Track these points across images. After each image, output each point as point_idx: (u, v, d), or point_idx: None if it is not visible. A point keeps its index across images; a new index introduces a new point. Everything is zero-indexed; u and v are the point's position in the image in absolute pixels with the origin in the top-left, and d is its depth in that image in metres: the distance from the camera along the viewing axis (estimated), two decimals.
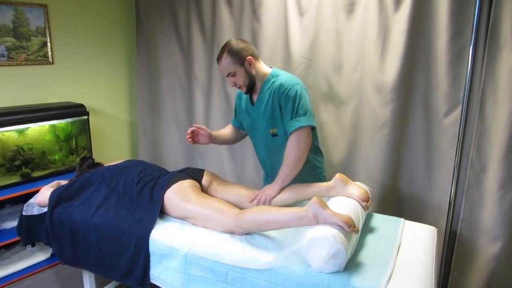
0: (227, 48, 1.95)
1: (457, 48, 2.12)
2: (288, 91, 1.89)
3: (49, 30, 2.97)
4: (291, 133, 1.91)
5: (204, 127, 2.14)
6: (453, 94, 2.17)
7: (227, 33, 2.96)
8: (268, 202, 1.94)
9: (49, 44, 2.98)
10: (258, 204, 1.94)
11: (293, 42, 2.64)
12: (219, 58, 1.97)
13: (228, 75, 1.99)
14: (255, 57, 1.98)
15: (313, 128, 1.97)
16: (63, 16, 3.05)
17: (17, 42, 2.81)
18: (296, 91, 1.90)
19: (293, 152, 1.91)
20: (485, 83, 2.03)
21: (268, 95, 1.97)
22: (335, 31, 2.49)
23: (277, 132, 2.02)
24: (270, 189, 1.96)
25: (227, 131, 2.33)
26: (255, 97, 2.06)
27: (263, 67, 2.03)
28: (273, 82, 1.96)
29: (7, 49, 2.77)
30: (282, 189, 1.96)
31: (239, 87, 2.03)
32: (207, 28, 3.06)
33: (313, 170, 2.13)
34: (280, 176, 1.95)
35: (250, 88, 2.01)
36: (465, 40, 2.10)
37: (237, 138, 2.36)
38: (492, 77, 2.02)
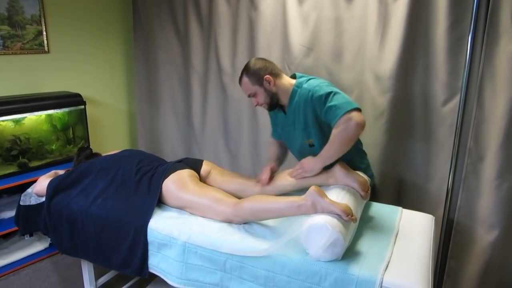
0: (245, 70, 1.94)
1: (456, 36, 2.11)
2: (315, 93, 1.83)
3: (44, 18, 2.93)
4: (336, 122, 1.75)
5: (271, 166, 2.06)
6: (451, 83, 2.17)
7: (224, 21, 2.93)
8: (301, 177, 1.91)
9: (44, 33, 2.95)
10: (294, 176, 1.92)
11: (292, 31, 2.62)
12: (240, 80, 1.97)
13: (249, 96, 1.98)
14: (275, 75, 1.93)
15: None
16: (58, 4, 3.01)
17: (12, 30, 2.78)
18: (323, 88, 1.82)
19: (337, 137, 1.76)
20: (483, 71, 2.03)
21: (297, 106, 1.93)
22: (334, 19, 2.47)
23: (313, 142, 1.98)
24: (310, 166, 1.88)
25: (275, 150, 2.22)
26: (286, 110, 2.02)
27: (285, 81, 1.96)
28: (299, 91, 1.92)
29: (2, 37, 2.74)
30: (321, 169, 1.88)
31: (262, 106, 1.99)
32: (203, 16, 3.04)
33: (362, 160, 2.10)
34: (323, 156, 1.84)
35: (273, 105, 1.98)
36: (464, 28, 2.08)
37: (281, 148, 2.24)
38: (491, 65, 2.01)
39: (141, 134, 3.59)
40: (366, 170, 2.09)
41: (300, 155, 2.05)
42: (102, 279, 2.39)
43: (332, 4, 2.46)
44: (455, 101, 2.18)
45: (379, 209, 1.99)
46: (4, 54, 2.76)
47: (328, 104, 1.79)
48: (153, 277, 1.98)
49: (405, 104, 2.34)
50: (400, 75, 2.28)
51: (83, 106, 3.01)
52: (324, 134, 1.91)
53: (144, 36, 3.35)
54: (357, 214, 1.68)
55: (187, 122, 3.38)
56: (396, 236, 1.70)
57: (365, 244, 1.62)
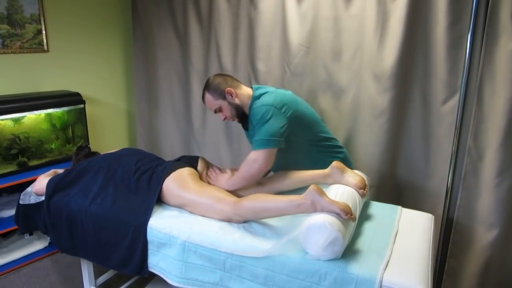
0: (206, 87, 2.00)
1: (455, 35, 2.11)
2: (256, 113, 1.88)
3: (43, 17, 2.93)
4: (251, 152, 1.87)
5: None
6: (451, 81, 2.17)
7: (223, 20, 2.93)
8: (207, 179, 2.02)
9: (44, 32, 2.95)
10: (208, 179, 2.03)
11: (291, 30, 2.61)
12: (203, 98, 2.03)
13: (215, 111, 2.03)
14: (234, 86, 1.99)
15: (280, 148, 1.88)
16: (57, 3, 3.01)
17: (12, 29, 2.78)
18: (264, 112, 1.84)
19: (243, 170, 1.90)
20: (483, 70, 2.03)
21: (251, 120, 1.97)
22: (333, 18, 2.47)
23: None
24: (224, 180, 1.98)
25: None
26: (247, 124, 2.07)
27: (245, 92, 2.01)
28: (252, 106, 1.95)
29: (2, 36, 2.73)
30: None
31: (230, 119, 2.05)
32: (203, 15, 3.03)
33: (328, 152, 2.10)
34: (229, 182, 1.96)
35: (241, 117, 2.03)
36: (463, 26, 2.08)
37: None
38: (490, 64, 2.01)
39: (140, 133, 3.59)
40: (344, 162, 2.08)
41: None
42: (102, 278, 2.39)
43: (331, 3, 2.45)
44: (455, 100, 2.18)
45: (378, 208, 1.99)
46: (4, 53, 2.76)
47: (257, 129, 1.87)
48: (153, 276, 1.98)
49: (405, 103, 2.34)
50: (399, 75, 2.28)
51: (82, 105, 3.01)
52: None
53: (143, 34, 3.34)
54: (356, 213, 1.69)
55: (186, 121, 3.38)
56: (396, 235, 1.70)
57: (365, 243, 1.62)
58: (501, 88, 1.98)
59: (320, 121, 2.09)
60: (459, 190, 2.20)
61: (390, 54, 2.28)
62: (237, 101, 1.99)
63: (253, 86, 2.06)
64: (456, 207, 2.22)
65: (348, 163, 2.09)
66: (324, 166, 1.92)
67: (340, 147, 2.15)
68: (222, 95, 1.97)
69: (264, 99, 1.92)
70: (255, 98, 1.97)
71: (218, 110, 2.02)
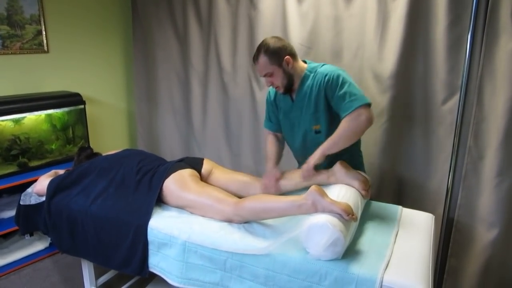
0: (263, 47, 1.86)
1: (455, 35, 2.11)
2: (333, 78, 1.81)
3: (43, 18, 2.93)
4: (348, 114, 1.76)
5: (274, 173, 1.99)
6: (451, 81, 2.17)
7: (223, 20, 2.93)
8: (310, 169, 1.84)
9: (44, 33, 2.95)
10: (306, 174, 1.86)
11: (292, 30, 2.62)
12: (255, 59, 1.89)
13: (265, 75, 1.91)
14: (294, 56, 1.90)
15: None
16: (57, 4, 3.01)
17: (12, 30, 2.78)
18: (340, 75, 1.81)
19: (347, 128, 1.76)
20: (483, 70, 2.03)
21: (310, 91, 1.90)
22: (334, 17, 2.47)
23: (320, 129, 1.95)
24: (312, 158, 1.84)
25: (275, 147, 2.14)
26: (293, 96, 1.99)
27: (300, 65, 1.95)
28: (314, 76, 1.89)
29: (2, 37, 2.73)
30: (321, 157, 1.82)
31: (276, 87, 1.95)
32: (203, 15, 3.03)
33: (355, 159, 2.06)
34: (325, 144, 1.81)
35: (288, 88, 1.94)
36: (463, 26, 2.08)
37: (279, 143, 2.19)
38: (490, 64, 2.01)
39: (140, 134, 3.59)
40: (359, 167, 2.06)
41: (303, 143, 2.03)
42: (102, 279, 2.39)
43: (331, 3, 2.45)
44: (455, 100, 2.18)
45: (379, 208, 1.99)
46: (4, 54, 2.76)
47: (342, 92, 1.78)
48: (153, 276, 1.98)
49: (405, 103, 2.34)
50: (399, 74, 2.28)
51: (82, 106, 3.01)
52: (332, 120, 1.90)
53: (143, 35, 3.35)
54: (358, 213, 1.68)
55: (186, 121, 3.38)
56: (396, 235, 1.70)
57: (365, 243, 1.62)
58: (501, 88, 1.98)
59: None
60: (460, 189, 2.20)
61: (390, 53, 2.28)
62: (292, 71, 1.90)
63: (306, 60, 2.00)
64: (457, 207, 2.22)
65: (361, 170, 2.07)
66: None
67: (361, 151, 2.15)
68: (279, 61, 1.86)
69: (326, 66, 1.88)
70: (311, 71, 1.91)
71: (269, 75, 1.89)
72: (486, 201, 2.12)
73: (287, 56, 1.86)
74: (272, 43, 1.86)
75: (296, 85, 1.94)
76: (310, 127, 1.98)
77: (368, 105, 1.75)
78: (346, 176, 1.84)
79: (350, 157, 1.97)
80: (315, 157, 1.82)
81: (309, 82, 1.91)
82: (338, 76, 1.81)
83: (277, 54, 1.85)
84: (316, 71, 1.90)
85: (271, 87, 2.00)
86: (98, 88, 3.41)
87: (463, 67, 2.11)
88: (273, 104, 2.12)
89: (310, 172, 1.84)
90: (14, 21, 2.78)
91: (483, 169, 2.12)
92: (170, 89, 3.37)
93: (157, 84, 3.41)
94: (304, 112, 1.96)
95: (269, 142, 2.17)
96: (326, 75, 1.84)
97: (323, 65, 1.93)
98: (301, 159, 2.08)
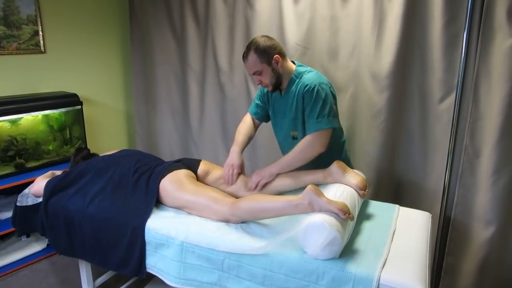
0: (253, 46, 1.87)
1: (451, 34, 2.11)
2: (311, 91, 1.84)
3: (40, 18, 2.92)
4: (311, 133, 1.86)
5: (236, 169, 2.02)
6: (447, 80, 2.17)
7: (220, 20, 2.93)
8: (261, 186, 1.94)
9: (40, 33, 2.94)
10: (254, 187, 1.94)
11: (288, 29, 2.62)
12: (245, 57, 1.90)
13: (254, 74, 1.92)
14: (283, 55, 1.92)
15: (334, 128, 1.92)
16: (54, 4, 3.00)
17: (8, 30, 2.77)
18: (319, 91, 1.83)
19: (305, 151, 1.87)
20: (479, 69, 2.03)
21: (292, 96, 1.93)
22: (330, 17, 2.47)
23: (297, 136, 1.99)
24: (266, 173, 1.94)
25: (248, 129, 2.16)
26: (282, 94, 2.01)
27: (289, 65, 1.96)
28: (298, 82, 1.91)
29: None
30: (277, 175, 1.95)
31: (265, 86, 1.96)
32: (200, 15, 3.03)
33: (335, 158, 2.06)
34: (282, 163, 1.92)
35: (277, 87, 1.96)
36: (459, 25, 2.09)
37: (254, 131, 2.22)
38: (486, 62, 2.01)
39: (138, 134, 3.58)
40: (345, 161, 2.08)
41: (284, 145, 2.09)
42: (100, 280, 2.39)
43: (327, 3, 2.46)
44: (451, 99, 2.18)
45: (376, 207, 1.99)
46: (0, 54, 2.75)
47: (313, 110, 1.84)
48: (151, 277, 1.98)
49: (402, 102, 2.35)
50: (396, 73, 2.29)
51: (79, 106, 3.00)
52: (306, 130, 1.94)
53: (141, 35, 3.34)
54: (355, 213, 1.69)
55: (184, 121, 3.38)
56: (393, 234, 1.71)
57: (363, 242, 1.62)
58: (497, 86, 1.99)
59: None
60: (456, 188, 2.21)
61: (387, 53, 2.28)
62: (280, 70, 1.92)
63: (295, 61, 2.02)
64: (453, 205, 2.23)
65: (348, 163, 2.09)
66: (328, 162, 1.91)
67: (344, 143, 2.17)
68: (269, 60, 1.87)
69: (310, 75, 1.90)
70: (301, 74, 1.93)
71: (258, 73, 1.90)
72: (482, 199, 2.12)
73: (276, 55, 1.88)
74: (262, 41, 1.88)
75: (284, 84, 1.97)
76: (288, 132, 2.02)
77: (331, 129, 1.87)
78: (343, 175, 1.84)
79: (331, 156, 1.98)
80: (271, 175, 1.93)
81: (293, 87, 1.93)
82: (316, 91, 1.83)
83: (267, 52, 1.87)
84: (301, 77, 1.92)
85: None
86: (96, 88, 3.40)
87: (459, 66, 2.12)
88: (265, 95, 2.13)
89: (256, 188, 1.94)
90: (10, 22, 2.77)
91: (479, 167, 2.13)
92: (168, 90, 3.37)
93: (155, 85, 3.41)
94: (286, 116, 1.99)
95: (245, 123, 2.18)
96: (306, 85, 1.86)
97: (309, 71, 1.94)
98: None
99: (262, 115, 2.18)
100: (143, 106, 3.51)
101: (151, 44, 3.31)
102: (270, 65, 1.88)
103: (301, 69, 1.96)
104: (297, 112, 1.93)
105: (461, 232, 2.23)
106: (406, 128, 2.38)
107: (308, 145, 1.86)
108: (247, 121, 2.19)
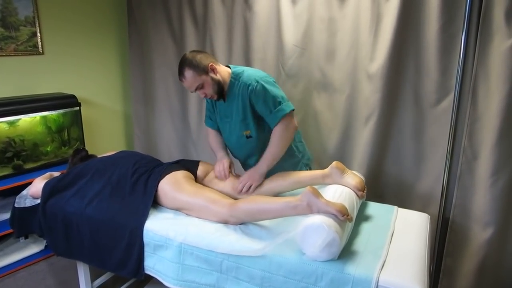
0: (186, 62, 1.90)
1: (448, 35, 2.12)
2: (255, 89, 1.88)
3: (38, 19, 2.92)
4: (277, 124, 1.91)
5: (227, 163, 2.09)
6: (444, 82, 2.18)
7: (219, 22, 2.93)
8: (254, 189, 1.96)
9: (38, 34, 2.94)
10: (245, 191, 1.96)
11: (286, 31, 2.62)
12: (181, 75, 1.92)
13: (196, 89, 1.94)
14: (215, 62, 1.95)
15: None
16: (52, 5, 3.00)
17: (6, 32, 2.77)
18: (262, 85, 1.88)
19: (282, 139, 1.93)
20: (477, 70, 2.04)
21: (236, 99, 1.96)
22: (328, 19, 2.47)
23: (251, 134, 2.02)
24: (257, 175, 1.96)
25: (218, 138, 2.23)
26: (226, 98, 2.04)
27: (224, 70, 1.99)
28: (238, 84, 1.95)
29: None
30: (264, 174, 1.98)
31: (210, 97, 1.99)
32: (198, 17, 3.03)
33: (292, 158, 2.13)
34: (267, 160, 1.95)
35: (221, 94, 1.98)
36: (457, 26, 2.09)
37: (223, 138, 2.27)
38: (484, 64, 2.02)
39: (137, 135, 3.58)
40: (304, 156, 2.18)
41: (237, 147, 2.13)
42: (98, 281, 2.38)
43: (325, 4, 2.46)
44: (449, 100, 2.18)
45: (374, 208, 1.99)
46: None
47: (266, 103, 1.89)
48: (150, 278, 1.98)
49: (398, 104, 2.35)
50: (391, 75, 2.29)
51: (78, 108, 3.00)
52: (261, 125, 2.01)
53: (139, 37, 3.34)
54: (353, 214, 1.69)
55: (183, 122, 3.38)
56: (392, 235, 1.71)
57: (361, 244, 1.62)
58: (495, 88, 1.99)
59: None
60: (455, 189, 2.21)
61: (383, 54, 2.28)
62: (218, 77, 1.93)
63: (229, 64, 2.05)
64: (452, 207, 2.23)
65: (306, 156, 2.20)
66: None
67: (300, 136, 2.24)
68: (205, 70, 1.89)
69: (247, 74, 1.95)
70: (238, 75, 1.96)
71: (200, 87, 1.92)
72: (481, 201, 2.13)
73: (210, 63, 1.90)
74: (192, 56, 1.90)
75: (225, 89, 1.99)
76: (241, 133, 2.04)
77: (292, 111, 1.92)
78: (342, 177, 1.85)
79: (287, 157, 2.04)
80: (262, 176, 1.96)
81: (234, 90, 1.96)
82: (260, 87, 1.88)
83: (201, 64, 1.89)
84: (239, 78, 1.95)
85: None
86: (94, 90, 3.40)
87: (457, 68, 2.12)
88: (211, 105, 2.17)
89: (248, 191, 1.96)
90: (8, 23, 2.77)
91: (478, 169, 2.13)
92: (167, 91, 3.37)
93: (153, 86, 3.40)
94: (233, 118, 2.02)
95: (213, 136, 2.24)
96: (248, 85, 1.90)
97: (245, 71, 1.97)
98: (241, 159, 2.21)
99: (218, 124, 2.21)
100: (141, 107, 3.51)
101: (150, 45, 3.31)
102: (208, 75, 1.90)
103: (237, 70, 2.00)
104: (245, 113, 1.97)
105: (460, 233, 2.24)
106: (403, 129, 2.38)
107: (282, 133, 1.92)
108: (212, 133, 2.25)
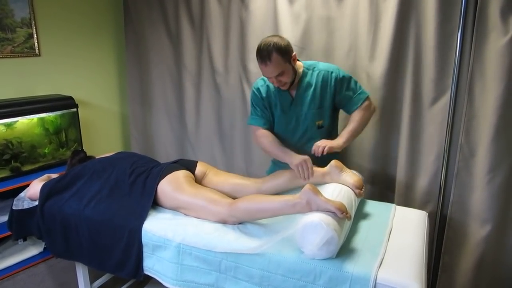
0: (274, 47, 1.79)
1: (445, 34, 2.12)
2: (339, 75, 1.98)
3: (34, 21, 2.91)
4: (360, 105, 2.00)
5: (310, 162, 1.86)
6: (441, 80, 2.18)
7: (215, 22, 2.93)
8: (327, 150, 1.85)
9: (35, 36, 2.93)
10: (319, 152, 1.86)
11: (283, 30, 2.62)
12: (267, 59, 1.80)
13: (277, 76, 1.86)
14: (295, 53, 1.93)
15: None
16: (48, 7, 2.99)
17: (2, 34, 2.76)
18: (344, 72, 2.00)
19: (364, 118, 2.01)
20: (473, 68, 2.04)
21: (313, 87, 1.98)
22: (326, 18, 2.48)
23: (323, 124, 2.04)
24: (334, 143, 1.90)
25: (274, 138, 2.06)
26: (292, 92, 2.01)
27: (298, 62, 2.01)
28: (315, 74, 1.98)
29: None
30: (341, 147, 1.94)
31: (282, 85, 1.93)
32: (195, 17, 3.03)
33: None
34: (347, 134, 1.97)
35: (292, 84, 1.95)
36: (453, 25, 2.10)
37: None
38: (480, 61, 2.02)
39: (134, 136, 3.58)
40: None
41: (301, 138, 2.08)
42: (98, 282, 2.38)
43: (323, 3, 2.46)
44: (446, 98, 2.19)
45: (373, 206, 2.00)
46: None
47: (350, 88, 2.00)
48: (149, 279, 1.98)
49: (396, 102, 2.36)
50: (391, 73, 2.29)
51: (75, 109, 3.00)
52: (334, 115, 2.10)
53: (136, 37, 3.34)
54: (352, 212, 1.69)
55: (180, 123, 3.38)
56: (390, 233, 1.71)
57: (359, 241, 1.63)
58: (492, 85, 2.00)
59: None
60: (452, 187, 2.22)
61: (382, 53, 2.29)
62: (297, 67, 1.95)
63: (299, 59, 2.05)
64: (450, 204, 2.24)
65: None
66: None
67: None
68: (290, 59, 1.85)
69: (323, 64, 2.03)
70: (312, 65, 2.02)
71: (281, 74, 1.85)
72: (478, 198, 2.13)
73: (294, 53, 1.90)
74: (280, 41, 1.83)
75: (296, 81, 1.99)
76: (313, 123, 2.03)
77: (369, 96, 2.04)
78: (341, 175, 1.85)
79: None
80: (339, 145, 1.92)
81: (308, 78, 1.99)
82: (343, 73, 2.00)
83: (288, 51, 1.86)
84: (314, 68, 2.00)
85: (261, 83, 2.07)
86: (91, 91, 3.40)
87: (453, 65, 2.13)
88: (264, 101, 2.08)
89: (323, 152, 1.87)
90: (4, 25, 2.76)
91: (475, 166, 2.13)
92: (164, 91, 3.37)
93: (150, 86, 3.40)
94: (307, 107, 2.01)
95: (268, 136, 2.06)
96: (331, 72, 1.98)
97: (317, 62, 2.04)
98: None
99: (271, 121, 2.11)
100: (138, 107, 3.51)
101: (146, 45, 3.31)
102: (291, 63, 1.89)
103: (308, 62, 2.06)
104: (322, 101, 2.00)
105: (458, 230, 2.24)
106: (401, 127, 2.38)
107: (365, 112, 2.01)
108: (265, 134, 2.07)
